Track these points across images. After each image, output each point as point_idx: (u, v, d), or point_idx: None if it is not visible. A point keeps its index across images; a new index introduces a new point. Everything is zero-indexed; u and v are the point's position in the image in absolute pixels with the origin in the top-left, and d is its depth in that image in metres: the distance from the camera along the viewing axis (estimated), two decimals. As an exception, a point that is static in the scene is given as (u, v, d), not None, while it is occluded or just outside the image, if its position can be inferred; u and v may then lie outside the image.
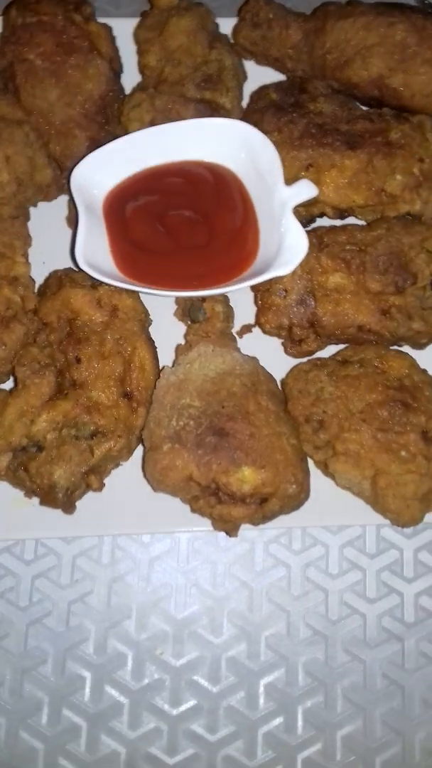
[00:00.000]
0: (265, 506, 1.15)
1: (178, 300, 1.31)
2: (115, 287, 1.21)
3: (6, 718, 1.24)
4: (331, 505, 1.24)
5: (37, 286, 1.28)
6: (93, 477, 1.16)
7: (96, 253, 1.22)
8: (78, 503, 1.19)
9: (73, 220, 1.29)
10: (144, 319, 1.25)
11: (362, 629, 1.30)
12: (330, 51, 1.34)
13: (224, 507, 1.14)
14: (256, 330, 1.33)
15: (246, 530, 1.22)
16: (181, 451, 1.12)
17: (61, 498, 1.13)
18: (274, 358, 1.29)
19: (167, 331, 1.29)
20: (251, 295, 1.32)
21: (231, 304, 1.31)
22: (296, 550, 1.33)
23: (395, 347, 1.29)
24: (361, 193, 1.28)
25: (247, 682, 1.28)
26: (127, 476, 1.23)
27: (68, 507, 1.16)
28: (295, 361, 1.29)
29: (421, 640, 1.29)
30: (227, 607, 1.30)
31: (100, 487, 1.18)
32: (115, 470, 1.23)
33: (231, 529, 1.18)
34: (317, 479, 1.22)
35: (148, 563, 1.32)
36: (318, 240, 1.27)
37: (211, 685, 1.27)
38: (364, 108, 1.37)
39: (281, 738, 1.25)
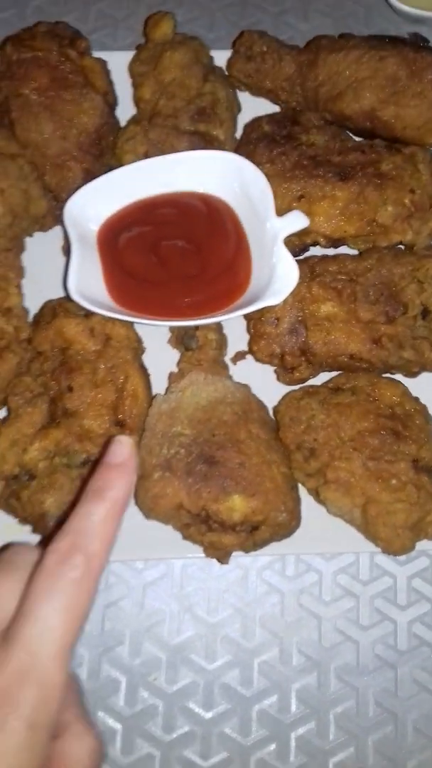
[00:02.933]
0: (255, 534, 1.16)
1: (172, 328, 1.32)
2: (108, 317, 1.22)
3: None
4: (323, 532, 1.24)
5: (33, 314, 1.31)
6: (85, 505, 1.17)
7: (89, 283, 1.23)
8: (72, 530, 1.21)
9: (67, 250, 1.31)
10: (137, 348, 1.27)
11: (355, 656, 1.30)
12: (322, 84, 1.35)
13: (215, 534, 1.15)
14: (250, 357, 1.34)
15: (240, 557, 1.24)
16: (172, 479, 1.13)
17: (51, 526, 1.14)
18: (268, 386, 1.30)
19: (161, 358, 1.30)
20: (245, 322, 1.33)
21: (225, 332, 1.33)
22: (290, 576, 1.33)
23: (388, 375, 1.30)
24: (353, 223, 1.29)
25: (240, 709, 1.28)
26: (121, 503, 1.24)
27: (60, 535, 1.17)
28: (288, 388, 1.30)
29: (414, 668, 1.29)
30: (221, 634, 1.31)
31: (92, 515, 1.19)
32: (108, 497, 1.25)
33: (222, 557, 1.18)
34: (310, 506, 1.22)
35: (141, 589, 1.32)
36: (310, 270, 1.28)
37: (205, 711, 1.28)
38: (357, 139, 1.38)
39: (273, 764, 1.25)
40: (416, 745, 1.26)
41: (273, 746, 1.26)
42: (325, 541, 1.25)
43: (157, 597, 1.32)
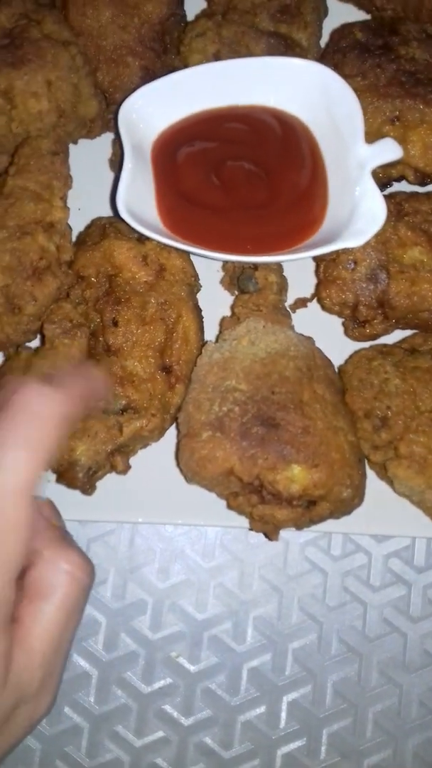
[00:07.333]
0: (313, 510, 1.00)
1: (226, 266, 1.15)
2: (162, 244, 1.05)
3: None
4: (382, 511, 1.08)
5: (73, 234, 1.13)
6: (119, 458, 1.02)
7: (139, 202, 1.06)
8: (98, 483, 1.05)
9: (117, 163, 1.13)
10: (193, 284, 1.10)
11: (402, 650, 1.16)
12: (430, -12, 1.16)
13: (267, 507, 0.99)
14: (312, 306, 1.17)
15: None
16: (223, 441, 0.97)
17: (81, 477, 0.99)
18: (331, 340, 1.12)
19: (212, 300, 1.13)
20: (309, 263, 1.15)
21: (285, 273, 1.15)
22: (335, 555, 1.18)
23: (473, 337, 1.13)
24: (452, 157, 1.11)
25: (269, 698, 1.15)
26: (156, 458, 1.08)
27: (88, 488, 1.02)
28: (352, 347, 1.13)
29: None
30: (253, 613, 1.17)
31: (126, 469, 1.03)
32: (142, 450, 1.09)
33: (271, 532, 1.03)
34: (370, 482, 1.06)
35: (169, 555, 1.18)
36: (396, 207, 1.10)
37: (229, 697, 1.15)
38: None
39: (302, 761, 1.13)
40: (461, 753, 1.14)
41: (303, 741, 1.14)
42: (382, 522, 1.10)
43: (185, 566, 1.18)
